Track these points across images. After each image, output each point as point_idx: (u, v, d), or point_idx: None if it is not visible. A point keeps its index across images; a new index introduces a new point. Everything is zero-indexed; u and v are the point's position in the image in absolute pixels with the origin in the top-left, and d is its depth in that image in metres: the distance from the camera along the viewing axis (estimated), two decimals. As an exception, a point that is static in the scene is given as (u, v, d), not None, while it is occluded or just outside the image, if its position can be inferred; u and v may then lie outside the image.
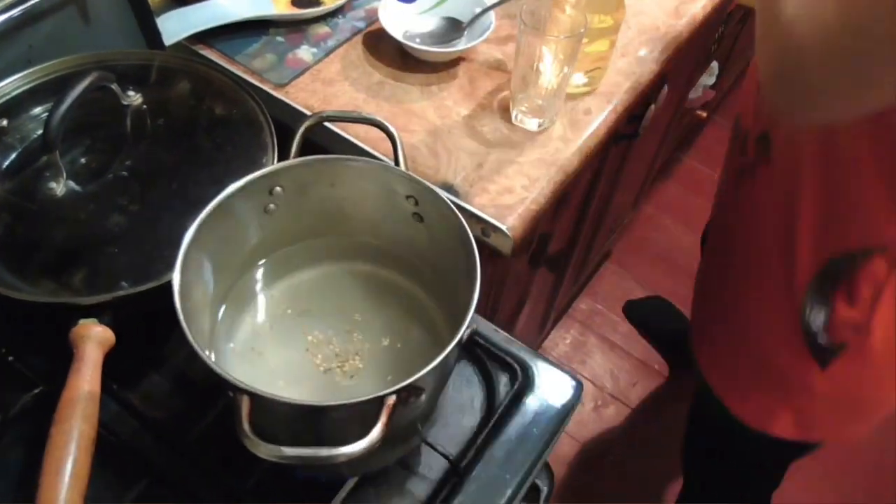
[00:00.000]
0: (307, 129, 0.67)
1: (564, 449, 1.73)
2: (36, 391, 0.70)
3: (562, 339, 1.91)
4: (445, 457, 0.70)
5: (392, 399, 0.52)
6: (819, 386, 0.88)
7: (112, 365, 0.66)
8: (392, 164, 0.68)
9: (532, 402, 0.75)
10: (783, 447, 1.00)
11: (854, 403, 0.91)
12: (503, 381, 0.78)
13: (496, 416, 0.74)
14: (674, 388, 1.87)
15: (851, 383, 0.87)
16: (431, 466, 0.72)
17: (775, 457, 1.11)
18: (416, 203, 0.67)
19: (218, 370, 0.52)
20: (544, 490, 0.83)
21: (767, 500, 1.30)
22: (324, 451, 0.49)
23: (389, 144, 0.72)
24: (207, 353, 0.54)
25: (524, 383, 0.77)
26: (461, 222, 0.62)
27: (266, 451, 0.49)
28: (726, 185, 0.99)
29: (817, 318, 0.82)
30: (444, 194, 0.64)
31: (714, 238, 1.09)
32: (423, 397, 0.59)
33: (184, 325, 0.54)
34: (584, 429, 1.76)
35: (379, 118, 0.69)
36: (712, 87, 1.88)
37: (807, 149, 0.77)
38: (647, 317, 1.96)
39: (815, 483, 1.66)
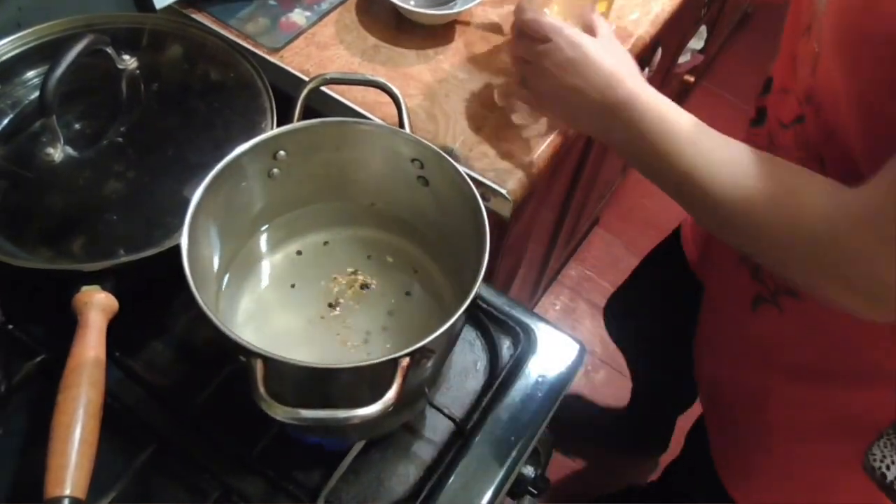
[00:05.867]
0: (311, 91, 0.66)
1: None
2: (38, 359, 0.70)
3: (552, 305, 1.92)
4: (451, 419, 0.70)
5: (406, 361, 0.52)
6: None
7: (114, 332, 0.65)
8: (396, 127, 0.68)
9: (535, 365, 0.76)
10: None
11: None
12: (506, 345, 0.78)
13: (500, 379, 0.75)
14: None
15: None
16: (437, 430, 0.72)
17: None
18: (422, 166, 0.66)
19: (230, 334, 0.51)
20: (544, 452, 0.83)
21: None
22: (341, 413, 0.49)
23: (388, 108, 0.71)
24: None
25: (527, 346, 0.77)
26: (470, 186, 0.62)
27: (283, 413, 0.49)
28: (727, 304, 0.88)
29: (887, 458, 0.73)
30: (449, 158, 0.64)
31: (724, 364, 0.93)
32: (432, 360, 0.59)
33: (193, 287, 0.53)
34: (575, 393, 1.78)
35: (383, 80, 0.68)
36: (700, 51, 1.88)
37: None
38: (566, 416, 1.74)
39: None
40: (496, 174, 0.84)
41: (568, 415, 1.66)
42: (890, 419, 0.72)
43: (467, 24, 0.99)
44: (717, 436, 0.97)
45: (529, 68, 0.74)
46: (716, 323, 0.92)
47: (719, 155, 0.62)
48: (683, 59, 1.78)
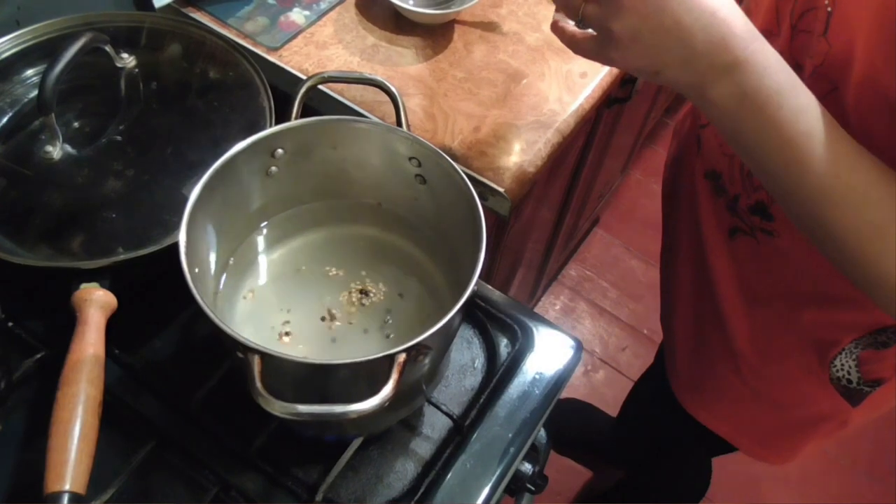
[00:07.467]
0: (309, 89, 0.67)
1: (554, 413, 1.74)
2: (38, 356, 0.70)
3: (552, 305, 1.92)
4: (449, 416, 0.70)
5: (402, 357, 0.52)
6: (854, 419, 0.83)
7: (113, 329, 0.65)
8: (394, 125, 0.68)
9: (532, 363, 0.76)
10: None
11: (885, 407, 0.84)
12: (503, 343, 0.78)
13: (497, 376, 0.75)
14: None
15: (887, 400, 0.81)
16: (435, 427, 0.72)
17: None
18: (419, 165, 0.66)
19: (228, 330, 0.51)
20: (542, 449, 0.84)
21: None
22: (338, 408, 0.49)
23: (386, 107, 0.71)
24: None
25: (524, 344, 0.77)
26: (466, 184, 0.62)
27: (280, 408, 0.49)
28: (705, 235, 0.85)
29: (846, 366, 0.76)
30: (447, 156, 0.64)
31: (699, 285, 0.91)
32: (429, 357, 0.59)
33: (191, 284, 0.54)
34: (574, 393, 1.78)
35: (381, 79, 0.69)
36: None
37: None
38: (563, 424, 1.70)
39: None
40: (494, 173, 0.85)
41: (564, 426, 1.70)
42: (851, 338, 0.75)
43: (466, 23, 0.99)
44: (678, 365, 0.99)
45: (594, 6, 0.55)
46: (691, 255, 0.91)
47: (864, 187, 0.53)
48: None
